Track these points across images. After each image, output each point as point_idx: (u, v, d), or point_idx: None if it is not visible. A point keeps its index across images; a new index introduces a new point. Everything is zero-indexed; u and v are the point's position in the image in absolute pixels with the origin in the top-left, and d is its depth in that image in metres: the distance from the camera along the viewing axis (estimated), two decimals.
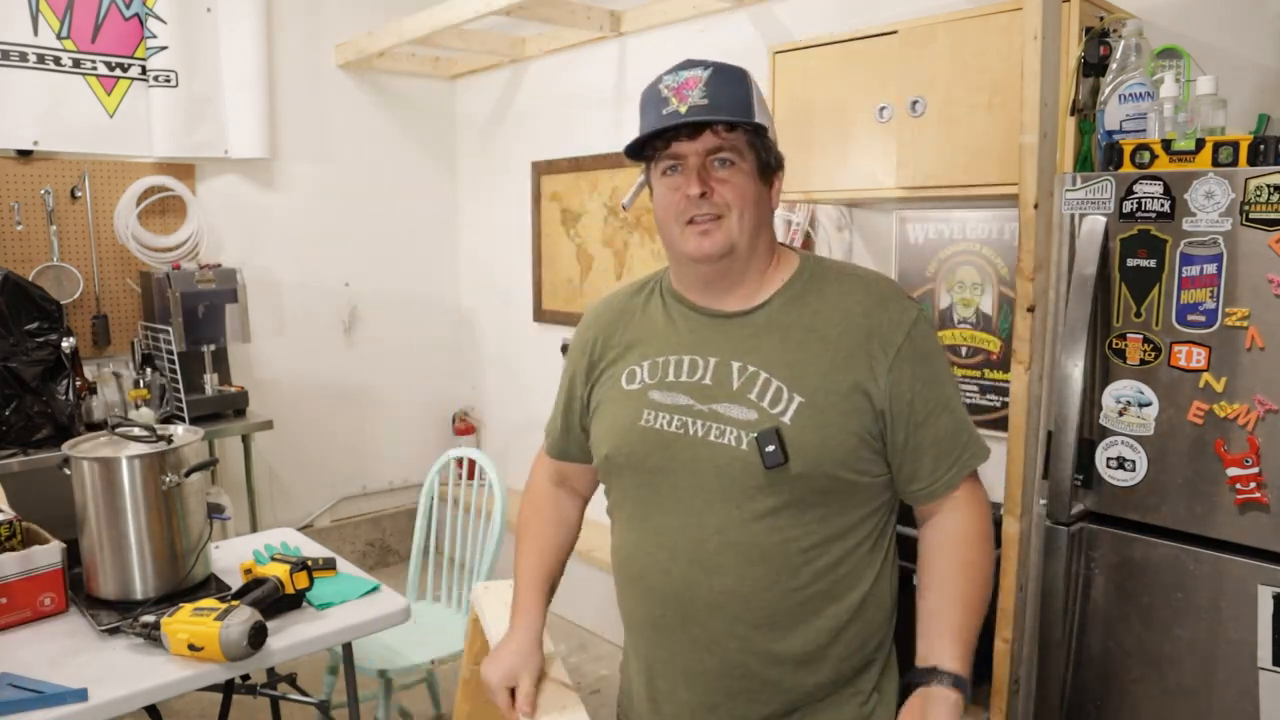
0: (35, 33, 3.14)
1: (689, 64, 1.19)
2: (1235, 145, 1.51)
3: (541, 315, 3.93)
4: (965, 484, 1.21)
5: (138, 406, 3.05)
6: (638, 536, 1.25)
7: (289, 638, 1.70)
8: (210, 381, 3.28)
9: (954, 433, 1.18)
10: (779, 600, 1.16)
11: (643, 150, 1.21)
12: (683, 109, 1.14)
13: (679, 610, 1.20)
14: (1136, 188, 1.57)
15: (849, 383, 1.14)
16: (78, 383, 2.95)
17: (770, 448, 1.12)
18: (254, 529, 3.34)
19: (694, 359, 1.22)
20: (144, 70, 3.36)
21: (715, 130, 1.15)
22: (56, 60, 3.19)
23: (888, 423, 1.16)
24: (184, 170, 3.51)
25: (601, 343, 1.32)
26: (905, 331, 1.16)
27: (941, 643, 1.15)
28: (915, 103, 2.11)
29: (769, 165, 1.21)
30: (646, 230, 3.37)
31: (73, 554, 1.81)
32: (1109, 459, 1.64)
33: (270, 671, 2.20)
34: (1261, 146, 1.48)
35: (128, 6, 3.30)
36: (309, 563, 1.86)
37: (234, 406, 3.33)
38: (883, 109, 2.18)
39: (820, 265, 1.25)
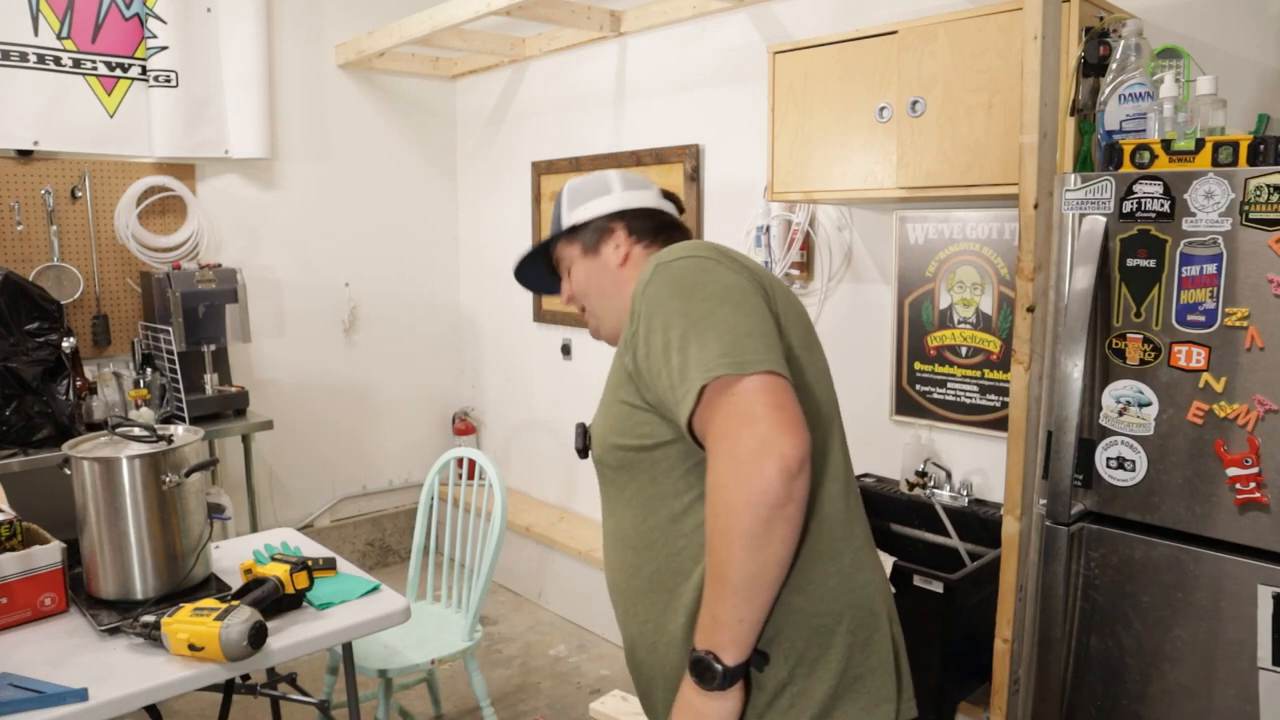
0: (35, 33, 3.14)
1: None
2: (1235, 145, 1.51)
3: (541, 315, 3.93)
4: (709, 412, 1.00)
5: (138, 406, 3.05)
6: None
7: (289, 638, 1.70)
8: (210, 381, 3.28)
9: (679, 365, 1.03)
10: (639, 584, 1.18)
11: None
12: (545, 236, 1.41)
13: (610, 599, 1.29)
14: (1136, 188, 1.57)
15: (623, 360, 1.16)
16: (78, 383, 2.95)
17: (579, 444, 1.26)
18: (254, 529, 3.34)
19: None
20: (144, 70, 3.36)
21: (549, 253, 1.41)
22: (57, 60, 3.19)
23: (640, 381, 1.12)
24: (184, 170, 3.51)
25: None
26: (640, 294, 1.13)
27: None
28: (915, 103, 2.11)
29: (590, 242, 1.34)
30: None
31: (73, 554, 1.81)
32: (1109, 459, 1.64)
33: (270, 671, 2.20)
34: (1261, 146, 1.48)
35: (128, 6, 3.30)
36: (309, 563, 1.86)
37: (234, 406, 3.33)
38: (883, 109, 2.18)
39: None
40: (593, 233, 1.33)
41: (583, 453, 1.25)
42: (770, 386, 0.98)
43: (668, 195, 1.41)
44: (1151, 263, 1.57)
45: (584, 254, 1.33)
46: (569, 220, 1.33)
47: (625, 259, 1.32)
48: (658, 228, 1.34)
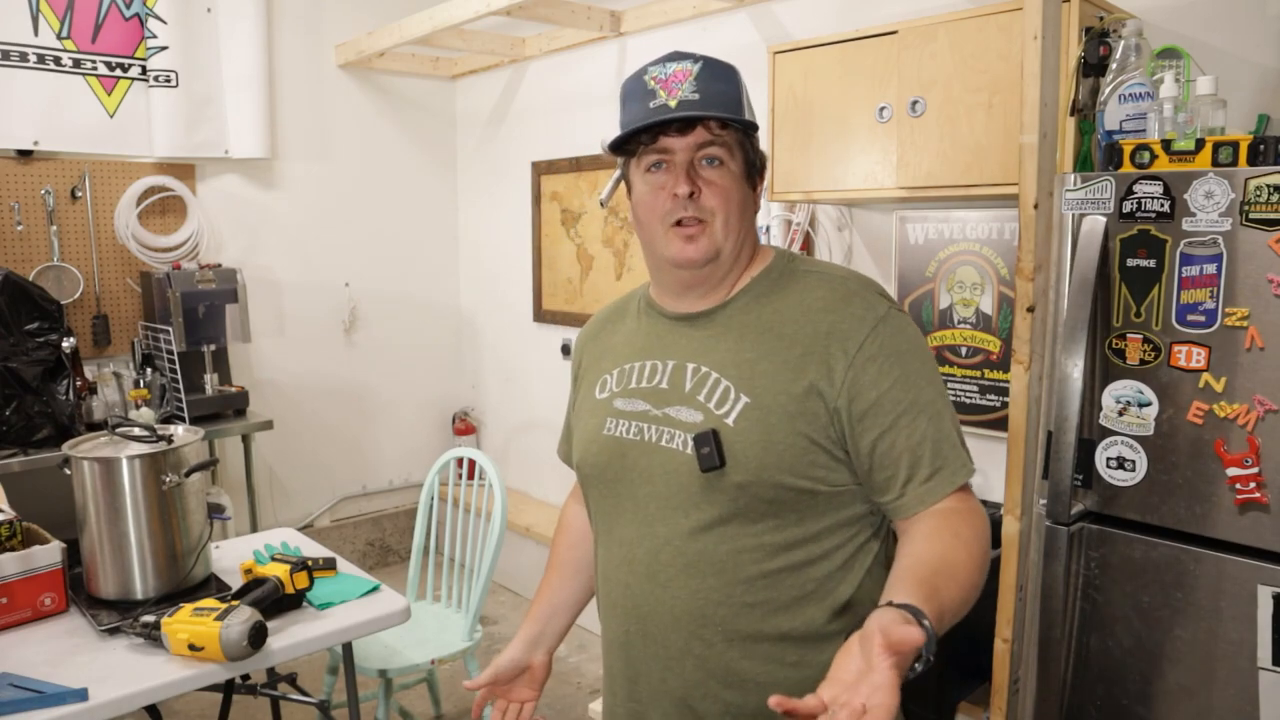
0: (35, 33, 3.14)
1: (677, 56, 1.11)
2: (1235, 145, 1.51)
3: (541, 315, 3.93)
4: (949, 501, 1.04)
5: (138, 406, 3.05)
6: (605, 551, 1.21)
7: (289, 638, 1.70)
8: (210, 381, 3.28)
9: (933, 441, 1.04)
10: (734, 616, 1.07)
11: (625, 144, 1.13)
12: (672, 103, 1.07)
13: (641, 627, 1.14)
14: (1136, 188, 1.57)
15: (803, 384, 1.05)
16: (78, 383, 2.95)
17: (706, 449, 1.06)
18: (254, 529, 3.34)
19: (654, 363, 1.17)
20: (144, 70, 3.36)
21: (706, 127, 1.08)
22: (57, 60, 3.19)
23: (846, 426, 1.05)
24: (184, 170, 3.51)
25: (585, 353, 1.35)
26: (869, 328, 1.06)
27: (901, 587, 0.95)
28: (915, 103, 2.11)
29: (755, 167, 1.15)
30: None
31: (73, 554, 1.81)
32: (1109, 459, 1.64)
33: (270, 671, 2.20)
34: (1261, 146, 1.48)
35: (128, 6, 3.30)
36: (309, 563, 1.86)
37: (234, 406, 3.33)
38: (883, 109, 2.18)
39: (791, 263, 1.18)
40: (761, 160, 1.17)
41: (719, 464, 1.06)
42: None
43: None
44: (1151, 263, 1.57)
45: (743, 173, 1.13)
46: (751, 116, 1.13)
47: (757, 210, 1.19)
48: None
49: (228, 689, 2.28)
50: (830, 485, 1.07)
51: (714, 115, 1.07)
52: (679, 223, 1.10)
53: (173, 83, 3.37)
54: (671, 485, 1.10)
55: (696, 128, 1.08)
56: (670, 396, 1.13)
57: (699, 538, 1.09)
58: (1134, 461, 1.61)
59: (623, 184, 1.21)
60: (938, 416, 1.06)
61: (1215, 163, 1.52)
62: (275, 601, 1.75)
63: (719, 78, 1.09)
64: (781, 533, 1.07)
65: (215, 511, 2.60)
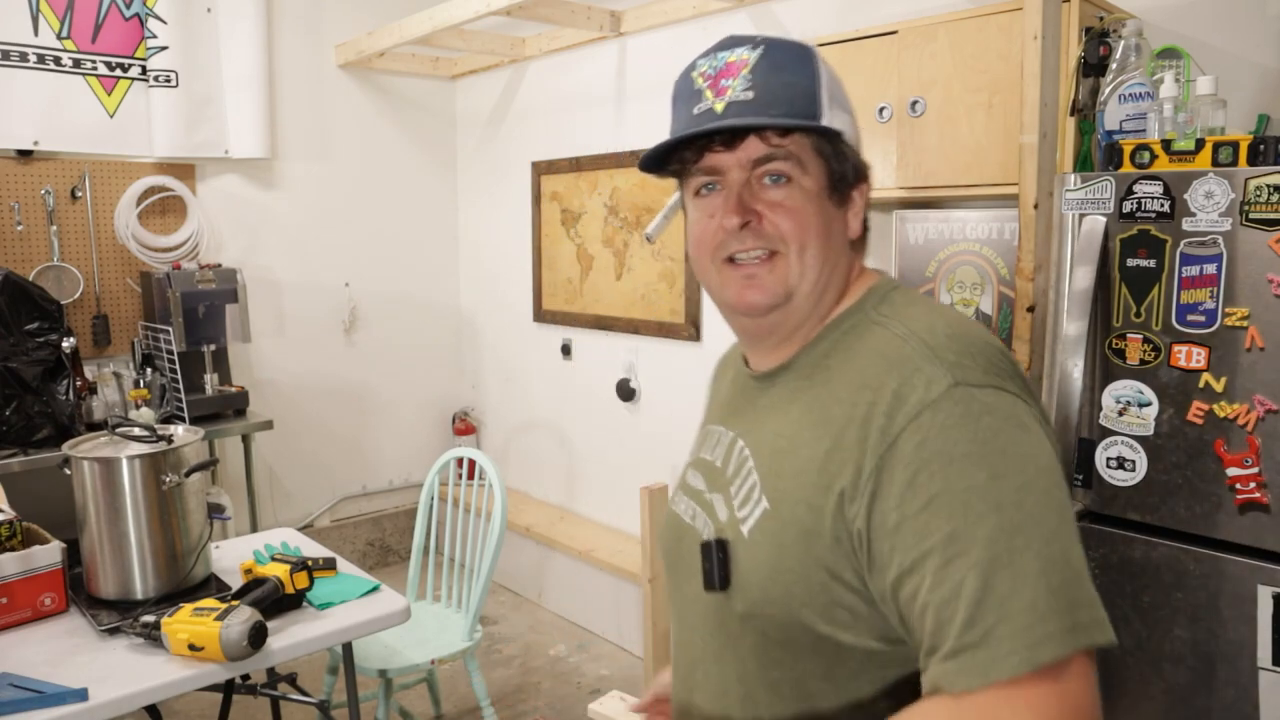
0: (35, 33, 3.14)
1: (732, 41, 0.87)
2: (1235, 145, 1.51)
3: (541, 315, 3.93)
4: (990, 699, 0.67)
5: (138, 406, 3.05)
6: (672, 642, 1.02)
7: (289, 638, 1.70)
8: (210, 381, 3.28)
9: (972, 601, 0.69)
10: None
11: (668, 160, 0.90)
12: (719, 106, 0.84)
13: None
14: (1136, 188, 1.57)
15: (827, 492, 0.78)
16: (78, 383, 2.95)
17: (708, 564, 0.86)
18: (254, 529, 3.34)
19: (721, 431, 0.97)
20: (144, 70, 3.35)
21: (763, 137, 0.84)
22: (57, 60, 3.19)
23: (864, 556, 0.76)
24: (184, 170, 3.51)
25: (712, 387, 1.13)
26: (910, 416, 0.74)
27: None
28: (915, 103, 2.11)
29: (843, 177, 0.88)
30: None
31: (73, 554, 1.81)
32: (1109, 459, 1.64)
33: (270, 671, 2.20)
34: (1261, 146, 1.48)
35: (128, 6, 3.30)
36: (309, 563, 1.86)
37: (234, 406, 3.33)
38: (883, 109, 2.18)
39: (879, 305, 0.88)
40: (851, 167, 0.89)
41: (718, 585, 0.85)
42: (1093, 680, 0.69)
43: None
44: (1151, 263, 1.57)
45: (825, 188, 0.87)
46: (831, 116, 0.86)
47: (857, 238, 0.92)
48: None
49: (228, 689, 2.28)
50: (857, 638, 0.79)
51: (765, 124, 0.83)
52: (732, 259, 0.87)
53: (173, 83, 3.36)
54: (700, 593, 0.89)
55: (747, 138, 0.85)
56: (718, 479, 0.93)
57: (723, 666, 0.89)
58: (1134, 461, 1.61)
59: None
60: (992, 566, 0.69)
61: (1215, 163, 1.52)
62: (275, 601, 1.75)
63: (784, 66, 0.85)
64: (806, 687, 0.83)
65: (215, 511, 2.60)
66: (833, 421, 0.80)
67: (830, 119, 0.86)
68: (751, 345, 0.96)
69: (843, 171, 0.88)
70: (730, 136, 0.85)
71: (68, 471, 1.81)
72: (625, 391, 3.50)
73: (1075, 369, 1.61)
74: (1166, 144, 1.58)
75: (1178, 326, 1.54)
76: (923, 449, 0.73)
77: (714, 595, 0.86)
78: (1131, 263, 1.59)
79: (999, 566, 0.69)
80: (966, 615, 0.69)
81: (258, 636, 1.58)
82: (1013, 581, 0.69)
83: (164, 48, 3.33)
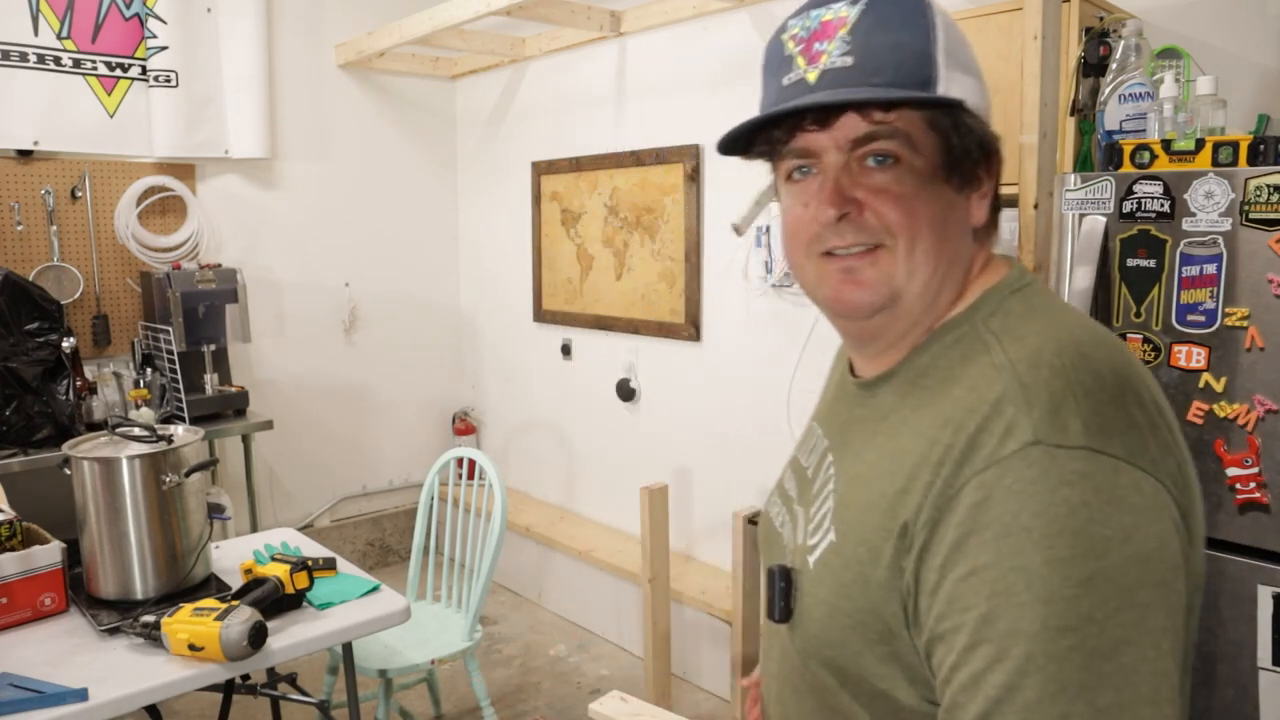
0: (35, 33, 3.14)
1: None
2: (1235, 145, 1.51)
3: (541, 315, 3.93)
4: None
5: (138, 406, 3.05)
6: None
7: (289, 638, 1.70)
8: (210, 381, 3.28)
9: (992, 699, 0.61)
10: None
11: (755, 139, 0.77)
12: (812, 76, 0.71)
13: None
14: (1136, 188, 1.57)
15: (893, 534, 0.69)
16: (78, 383, 2.95)
17: (770, 592, 0.80)
18: (254, 529, 3.34)
19: (818, 436, 0.88)
20: (144, 70, 3.36)
21: (864, 111, 0.71)
22: (57, 60, 3.19)
23: (912, 611, 0.68)
24: (184, 170, 3.51)
25: (829, 377, 0.99)
26: (978, 468, 0.64)
27: None
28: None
29: (965, 154, 0.75)
30: (646, 230, 3.37)
31: (73, 554, 1.81)
32: None
33: (270, 671, 2.20)
34: (1261, 146, 1.48)
35: (128, 6, 3.30)
36: (309, 563, 1.86)
37: (234, 406, 3.33)
38: None
39: (998, 307, 0.75)
40: (975, 144, 0.75)
41: (778, 618, 0.79)
42: None
43: None
44: (1151, 263, 1.57)
45: (941, 169, 0.74)
46: (949, 83, 0.72)
47: (977, 227, 0.79)
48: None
49: (228, 689, 2.28)
50: (917, 700, 0.70)
51: (864, 99, 0.70)
52: (830, 253, 0.76)
53: (173, 83, 3.36)
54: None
55: (844, 115, 0.72)
56: (805, 491, 0.85)
57: (795, 696, 0.82)
58: None
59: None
60: (1024, 665, 0.60)
61: (1215, 163, 1.52)
62: (275, 601, 1.75)
63: (890, 23, 0.71)
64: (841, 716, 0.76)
65: (215, 511, 2.60)
66: (909, 456, 0.70)
67: (947, 86, 0.71)
68: (855, 349, 0.84)
69: (964, 148, 0.74)
70: (824, 114, 0.72)
71: (68, 471, 1.81)
72: (625, 391, 3.50)
73: None
74: (1166, 144, 1.58)
75: (1178, 326, 1.54)
76: (979, 511, 0.63)
77: (778, 624, 0.80)
78: (1131, 263, 1.59)
79: (1032, 669, 0.59)
80: (981, 710, 0.61)
81: (258, 636, 1.58)
82: (1044, 689, 0.59)
83: (164, 48, 3.33)
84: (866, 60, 0.70)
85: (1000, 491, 0.63)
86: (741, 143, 0.77)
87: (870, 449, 0.76)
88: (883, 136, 0.72)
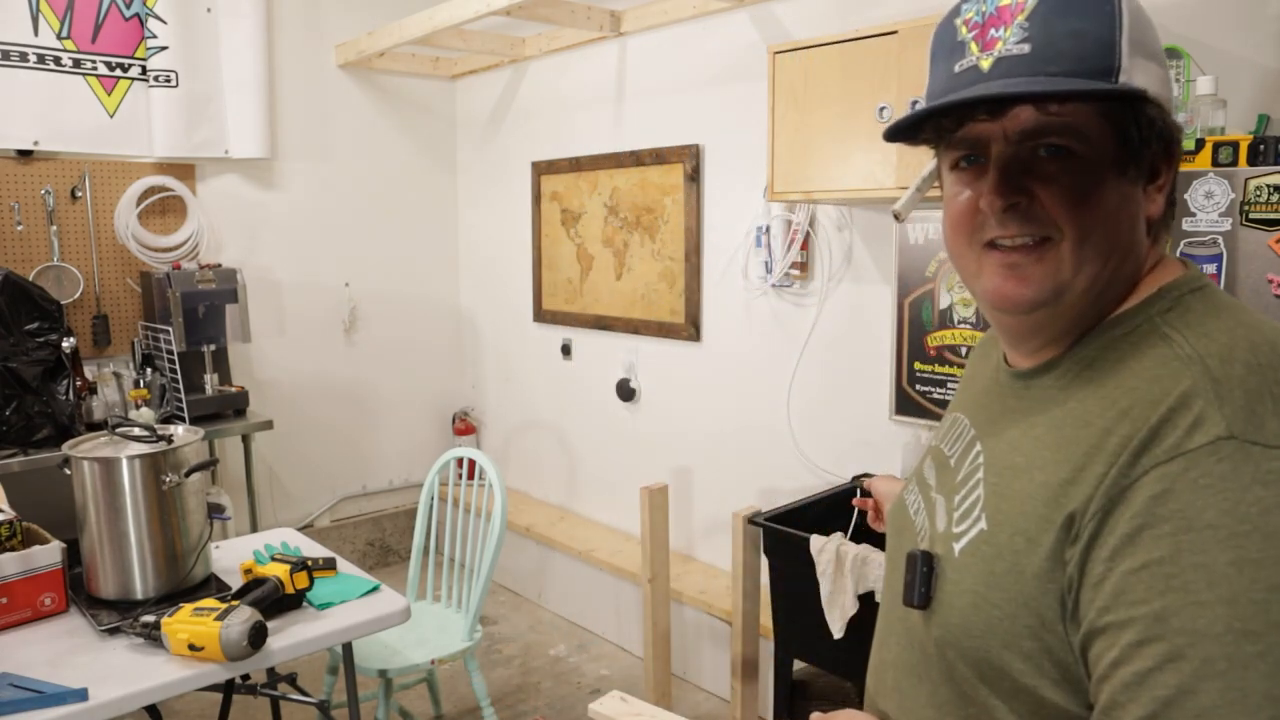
0: (35, 33, 3.14)
1: None
2: (1235, 145, 1.51)
3: (541, 315, 3.93)
4: None
5: (138, 406, 3.05)
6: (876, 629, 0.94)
7: (289, 638, 1.70)
8: (210, 381, 3.28)
9: (1161, 700, 0.58)
10: None
11: (921, 126, 0.75)
12: (985, 63, 0.70)
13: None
14: None
15: (1057, 525, 0.67)
16: (78, 383, 2.95)
17: (909, 576, 0.78)
18: (254, 529, 3.34)
19: (964, 425, 0.86)
20: (144, 70, 3.36)
21: (1038, 104, 0.70)
22: (57, 60, 3.19)
23: (1071, 605, 0.66)
24: (184, 170, 3.51)
25: (969, 366, 0.99)
26: (1159, 460, 0.62)
27: None
28: (915, 103, 2.11)
29: (1144, 145, 0.71)
30: (646, 230, 3.37)
31: (73, 554, 1.81)
32: None
33: (270, 671, 2.20)
34: (1261, 146, 1.48)
35: (128, 6, 3.30)
36: (309, 563, 1.86)
37: (234, 406, 3.33)
38: (883, 109, 2.18)
39: (1172, 307, 0.71)
40: (1157, 137, 0.71)
41: (916, 603, 0.78)
42: None
43: None
44: None
45: (1119, 157, 0.70)
46: (1132, 71, 0.68)
47: (1151, 220, 0.74)
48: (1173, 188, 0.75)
49: (228, 689, 2.28)
50: (1064, 699, 0.67)
51: (1043, 92, 0.68)
52: (993, 243, 0.74)
53: (173, 83, 3.37)
54: (900, 599, 0.82)
55: (1016, 105, 0.70)
56: (948, 480, 0.83)
57: (917, 685, 0.80)
58: None
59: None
60: (1201, 669, 0.57)
61: (1215, 163, 1.52)
62: (275, 601, 1.75)
63: (1072, 9, 0.68)
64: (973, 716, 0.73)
65: (215, 511, 2.60)
66: (1076, 446, 0.67)
67: (1130, 75, 0.67)
68: (1012, 343, 0.81)
69: (1144, 139, 0.70)
70: (996, 104, 0.70)
71: (68, 471, 1.81)
72: (625, 391, 3.50)
73: None
74: None
75: None
76: (1159, 504, 0.60)
77: (912, 610, 0.78)
78: None
79: (1210, 674, 0.56)
80: (1147, 712, 0.58)
81: (258, 636, 1.58)
82: (1223, 695, 0.56)
83: (164, 48, 3.33)
84: (1044, 48, 0.67)
85: (1184, 485, 0.60)
86: (908, 130, 0.76)
87: (1028, 439, 0.73)
88: (1055, 130, 0.70)
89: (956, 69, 0.72)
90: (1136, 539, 0.61)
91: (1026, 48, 0.68)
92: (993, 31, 0.69)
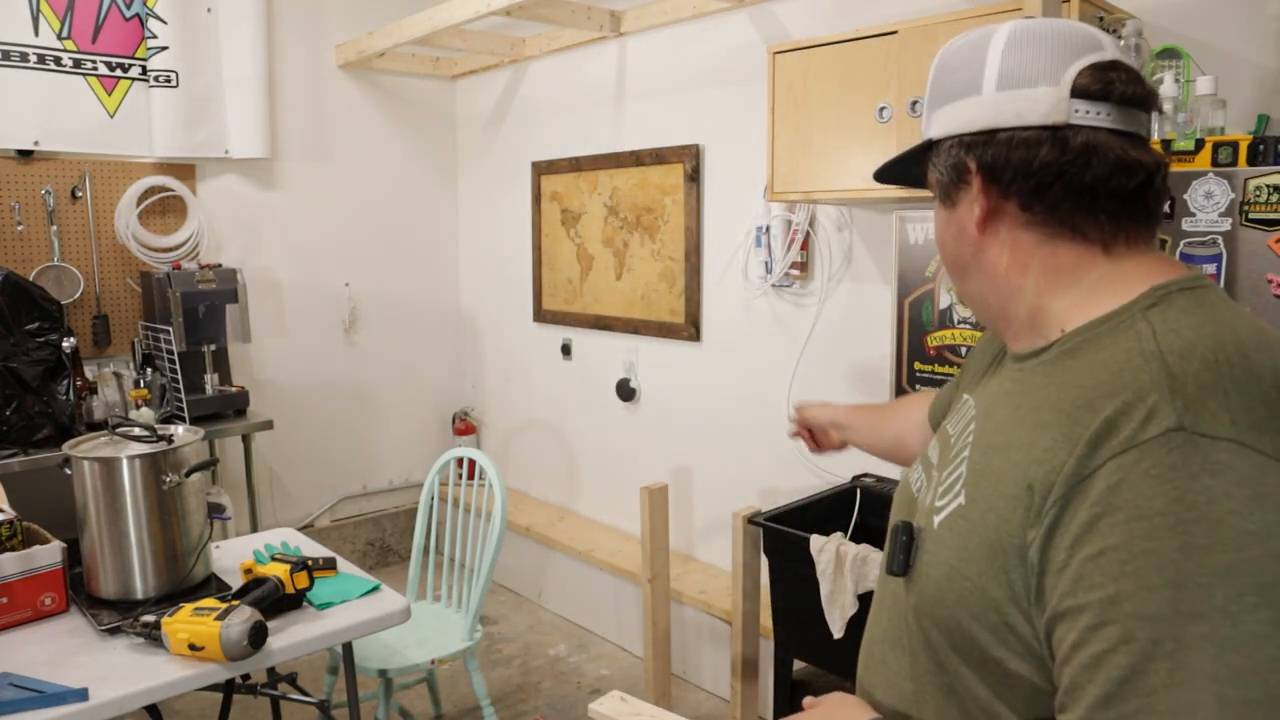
0: (36, 33, 3.14)
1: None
2: (1235, 145, 1.51)
3: (541, 315, 3.93)
4: None
5: (138, 406, 3.05)
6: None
7: (289, 637, 1.70)
8: (210, 381, 3.28)
9: (1115, 679, 0.62)
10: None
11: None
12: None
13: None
14: None
15: (1022, 505, 0.71)
16: (78, 383, 2.95)
17: (892, 546, 0.84)
18: (254, 529, 3.34)
19: (969, 404, 0.91)
20: (144, 70, 3.36)
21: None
22: (57, 60, 3.19)
23: (1034, 587, 0.69)
24: (184, 170, 3.51)
25: (979, 351, 1.04)
26: (1115, 451, 0.65)
27: None
28: (915, 103, 2.11)
29: (950, 182, 0.84)
30: (646, 230, 3.37)
31: (73, 554, 1.81)
32: None
33: (270, 671, 2.20)
34: (1261, 146, 1.48)
35: (128, 7, 3.31)
36: (309, 562, 1.86)
37: (234, 406, 3.33)
38: (883, 109, 2.18)
39: (1153, 306, 0.74)
40: (947, 169, 0.83)
41: (896, 570, 0.84)
42: None
43: (1126, 86, 0.76)
44: None
45: (938, 198, 0.87)
46: (926, 127, 0.86)
47: (983, 221, 0.82)
48: (1065, 187, 0.76)
49: (228, 689, 2.28)
50: (1028, 671, 0.72)
51: (887, 164, 0.94)
52: None
53: (173, 83, 3.37)
54: (889, 576, 0.88)
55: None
56: (946, 455, 0.87)
57: (899, 656, 0.86)
58: None
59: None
60: (1150, 649, 0.61)
61: (1215, 163, 1.52)
62: (275, 601, 1.75)
63: (933, 79, 0.87)
64: (974, 703, 0.77)
65: (215, 511, 2.60)
66: (1046, 432, 0.71)
67: (933, 124, 0.85)
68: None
69: (941, 175, 0.85)
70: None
71: (68, 471, 1.81)
72: (625, 391, 3.50)
73: None
74: (1166, 144, 1.58)
75: None
76: (1114, 494, 0.64)
77: (895, 579, 0.84)
78: None
79: (1159, 655, 0.60)
80: (1104, 691, 0.62)
81: (258, 636, 1.58)
82: (1170, 675, 0.60)
83: (164, 48, 3.33)
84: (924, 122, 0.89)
85: (1137, 475, 0.63)
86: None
87: (1012, 420, 0.77)
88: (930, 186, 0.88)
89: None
90: (1094, 527, 0.64)
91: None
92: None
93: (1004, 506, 0.72)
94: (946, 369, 2.51)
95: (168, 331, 3.14)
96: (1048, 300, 0.80)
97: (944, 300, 2.52)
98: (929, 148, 0.85)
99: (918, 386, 2.59)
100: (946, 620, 0.76)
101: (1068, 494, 0.66)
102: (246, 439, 3.37)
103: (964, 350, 2.48)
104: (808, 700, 0.89)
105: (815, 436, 1.49)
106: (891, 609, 0.87)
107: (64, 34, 3.19)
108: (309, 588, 1.84)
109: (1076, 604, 0.64)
